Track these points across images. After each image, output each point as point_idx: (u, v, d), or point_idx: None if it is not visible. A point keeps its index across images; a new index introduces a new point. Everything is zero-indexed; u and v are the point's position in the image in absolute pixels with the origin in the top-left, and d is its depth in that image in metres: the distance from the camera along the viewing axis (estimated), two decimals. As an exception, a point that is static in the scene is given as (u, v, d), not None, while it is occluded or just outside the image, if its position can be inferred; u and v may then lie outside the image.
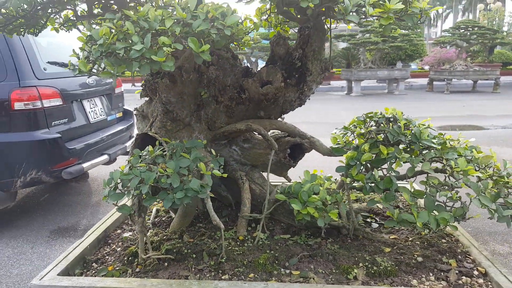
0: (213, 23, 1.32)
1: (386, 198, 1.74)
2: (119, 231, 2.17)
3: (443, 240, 1.95)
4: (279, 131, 2.16)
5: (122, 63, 1.27)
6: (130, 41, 1.26)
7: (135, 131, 2.47)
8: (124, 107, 5.88)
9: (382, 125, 1.90)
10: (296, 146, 2.16)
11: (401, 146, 1.88)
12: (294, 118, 10.93)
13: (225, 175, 1.70)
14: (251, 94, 1.92)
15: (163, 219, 2.26)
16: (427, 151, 1.83)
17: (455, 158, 1.75)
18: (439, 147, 1.81)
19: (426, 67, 18.64)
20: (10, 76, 3.35)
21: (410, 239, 1.97)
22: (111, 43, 1.26)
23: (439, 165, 1.87)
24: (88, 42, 1.34)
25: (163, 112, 1.89)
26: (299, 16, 1.87)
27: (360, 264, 1.71)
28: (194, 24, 1.27)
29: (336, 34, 17.98)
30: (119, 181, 1.52)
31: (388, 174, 1.80)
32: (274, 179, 2.48)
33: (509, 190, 1.79)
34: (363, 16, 1.54)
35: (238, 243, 1.88)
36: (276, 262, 1.74)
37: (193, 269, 1.71)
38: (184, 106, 1.90)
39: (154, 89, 1.88)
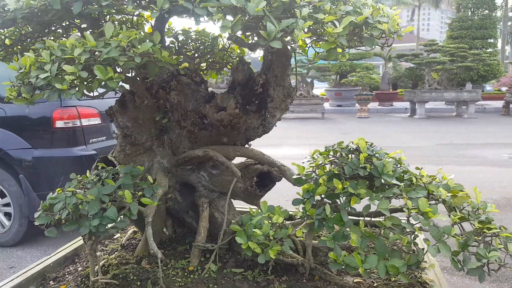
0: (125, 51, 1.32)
1: (334, 237, 1.58)
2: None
3: (412, 290, 1.72)
4: (250, 159, 2.09)
5: (35, 90, 1.31)
6: (44, 70, 1.30)
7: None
8: None
9: (342, 156, 1.75)
10: (267, 175, 2.07)
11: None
12: (350, 140, 10.67)
13: (154, 204, 1.66)
14: (211, 120, 1.88)
15: (136, 241, 2.27)
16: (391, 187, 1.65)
17: (418, 198, 1.55)
18: (402, 184, 1.62)
19: (504, 89, 17.20)
20: None
21: (375, 284, 1.77)
22: (28, 71, 1.31)
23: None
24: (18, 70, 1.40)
25: (121, 136, 1.92)
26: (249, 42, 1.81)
27: (302, 309, 1.57)
28: (103, 52, 1.28)
29: (398, 54, 17.32)
30: (48, 204, 1.56)
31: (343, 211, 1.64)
32: (246, 207, 2.38)
33: (484, 237, 1.55)
34: (292, 42, 1.44)
35: (186, 273, 1.82)
36: (215, 297, 1.66)
37: (131, 297, 1.69)
38: (143, 131, 1.91)
39: (111, 114, 1.91)
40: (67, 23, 1.71)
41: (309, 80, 16.04)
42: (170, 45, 2.33)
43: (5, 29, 1.66)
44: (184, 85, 1.89)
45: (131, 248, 2.18)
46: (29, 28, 1.67)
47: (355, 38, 1.71)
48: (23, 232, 3.68)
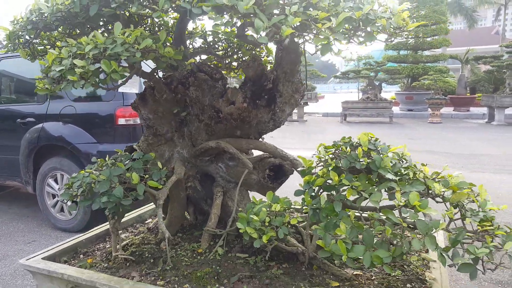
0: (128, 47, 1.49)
1: (326, 227, 1.62)
2: (120, 231, 2.45)
3: (408, 285, 1.70)
4: (265, 153, 2.18)
5: (56, 82, 1.53)
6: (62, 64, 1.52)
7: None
8: None
9: (342, 150, 1.77)
10: (280, 168, 2.14)
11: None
12: (416, 146, 10.14)
13: (160, 186, 1.82)
14: (223, 114, 2.01)
15: (163, 226, 2.46)
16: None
17: (410, 192, 1.54)
18: (397, 178, 1.61)
19: None
20: (117, 97, 4.10)
21: (373, 277, 1.77)
22: (50, 65, 1.54)
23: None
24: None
25: (145, 127, 2.12)
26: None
27: (292, 294, 1.63)
28: (109, 48, 1.47)
29: (476, 56, 16.16)
30: (71, 182, 1.79)
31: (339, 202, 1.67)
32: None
33: (479, 235, 1.49)
34: (277, 36, 1.52)
35: (195, 255, 1.96)
36: (216, 277, 1.77)
37: (143, 272, 1.87)
38: (163, 123, 2.10)
39: (136, 107, 2.12)
40: (97, 24, 1.94)
41: (377, 83, 15.56)
42: (201, 45, 2.50)
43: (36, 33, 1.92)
44: (202, 81, 2.04)
45: (156, 231, 2.37)
46: (62, 30, 1.92)
47: (358, 33, 1.73)
48: (87, 219, 4.10)
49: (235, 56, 2.53)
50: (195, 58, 2.47)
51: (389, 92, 21.53)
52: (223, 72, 2.53)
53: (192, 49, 2.41)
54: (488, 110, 14.23)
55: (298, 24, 1.50)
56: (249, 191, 2.27)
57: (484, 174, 6.65)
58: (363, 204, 1.69)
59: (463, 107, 17.08)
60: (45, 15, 1.70)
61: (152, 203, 2.65)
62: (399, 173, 1.68)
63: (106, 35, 1.73)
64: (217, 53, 2.52)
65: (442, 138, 11.07)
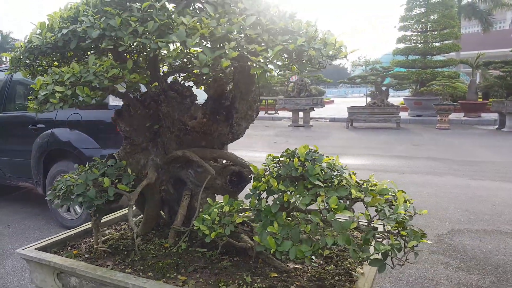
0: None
1: (264, 225, 1.92)
2: (105, 227, 2.79)
3: (336, 278, 1.98)
4: (228, 161, 2.49)
5: (42, 103, 1.88)
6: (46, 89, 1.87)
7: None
8: None
9: (282, 160, 2.07)
10: (241, 174, 2.45)
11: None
12: (418, 152, 10.25)
13: (127, 189, 2.15)
14: (189, 127, 2.33)
15: (143, 224, 2.79)
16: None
17: (331, 196, 1.83)
18: (323, 185, 1.90)
19: None
20: (119, 106, 4.51)
21: (309, 270, 2.06)
22: (38, 89, 1.89)
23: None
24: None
25: (124, 137, 2.46)
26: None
27: (236, 282, 1.93)
28: (83, 76, 1.81)
29: (486, 61, 16.12)
30: (56, 185, 2.14)
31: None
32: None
33: (386, 234, 1.77)
34: (217, 67, 1.83)
35: (161, 249, 2.28)
36: (175, 267, 2.09)
37: (116, 262, 2.20)
38: (139, 134, 2.43)
39: (115, 120, 2.46)
40: (80, 53, 2.29)
41: (384, 88, 15.70)
42: (177, 64, 2.81)
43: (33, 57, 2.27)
44: (171, 99, 2.36)
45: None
46: (52, 57, 2.27)
47: (296, 60, 2.02)
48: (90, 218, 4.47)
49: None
50: (174, 75, 2.81)
51: (398, 97, 21.54)
52: (200, 87, 2.86)
53: (169, 68, 2.74)
54: (499, 116, 14.19)
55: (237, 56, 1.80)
56: (216, 195, 2.58)
57: (483, 181, 6.79)
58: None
59: (474, 113, 17.03)
60: (39, 44, 2.05)
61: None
62: (329, 180, 1.97)
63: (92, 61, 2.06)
64: (193, 71, 2.84)
65: (447, 145, 11.16)
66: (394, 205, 1.90)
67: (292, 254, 1.78)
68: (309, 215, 1.87)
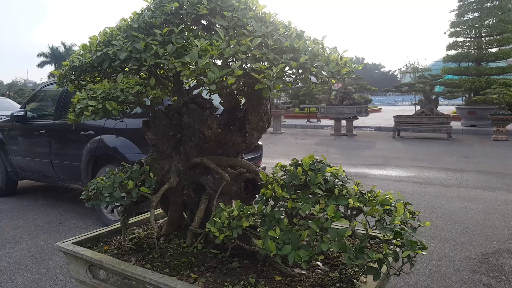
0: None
1: (267, 230, 2.06)
2: (135, 227, 3.05)
3: (337, 285, 2.07)
4: (243, 168, 2.66)
5: (79, 115, 2.17)
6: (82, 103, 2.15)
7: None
8: None
9: (288, 169, 2.21)
10: (254, 181, 2.61)
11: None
12: (469, 165, 9.92)
13: (148, 191, 2.38)
14: (206, 137, 2.54)
15: (169, 225, 3.02)
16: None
17: (330, 205, 1.94)
18: (323, 193, 2.02)
19: None
20: None
21: (313, 276, 2.17)
22: (75, 103, 2.18)
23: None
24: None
25: (151, 145, 2.71)
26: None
27: (241, 282, 2.09)
28: (111, 92, 2.07)
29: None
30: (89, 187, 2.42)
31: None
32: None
33: (380, 243, 1.85)
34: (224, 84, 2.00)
35: (179, 248, 2.49)
36: (189, 266, 2.28)
37: (139, 258, 2.43)
38: (163, 142, 2.67)
39: (143, 130, 2.71)
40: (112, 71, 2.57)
41: (433, 97, 15.20)
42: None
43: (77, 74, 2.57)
44: (192, 111, 2.58)
45: (160, 229, 2.95)
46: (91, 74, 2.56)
47: (302, 76, 2.16)
48: None
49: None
50: (200, 89, 3.03)
51: (452, 106, 20.66)
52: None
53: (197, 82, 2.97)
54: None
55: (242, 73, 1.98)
56: (233, 200, 2.75)
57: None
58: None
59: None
60: (79, 64, 2.35)
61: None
62: (330, 190, 2.08)
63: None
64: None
65: (502, 157, 10.56)
66: (395, 216, 1.97)
67: (291, 258, 1.91)
68: (309, 222, 1.99)
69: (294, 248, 1.95)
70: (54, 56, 47.71)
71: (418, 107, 15.74)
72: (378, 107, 32.42)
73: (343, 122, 16.02)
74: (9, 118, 6.96)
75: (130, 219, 3.08)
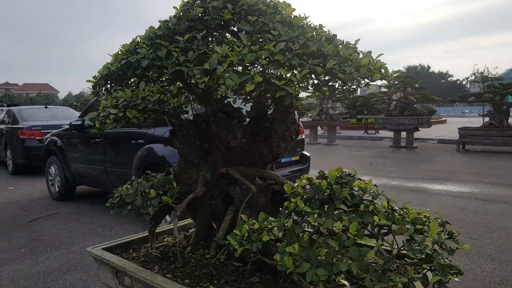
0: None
1: (286, 245, 1.94)
2: (165, 235, 3.05)
3: (359, 305, 1.89)
4: (270, 180, 2.56)
5: (103, 123, 2.20)
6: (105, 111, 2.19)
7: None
8: (303, 152, 6.91)
9: (312, 182, 2.07)
10: (282, 193, 2.50)
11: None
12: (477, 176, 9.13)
13: (170, 201, 2.34)
14: (232, 146, 2.47)
15: (199, 235, 2.99)
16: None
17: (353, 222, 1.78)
18: (347, 209, 1.86)
19: None
20: None
21: (334, 296, 2.00)
22: (100, 112, 2.22)
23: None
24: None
25: (179, 154, 2.70)
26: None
27: (259, 298, 1.99)
28: (132, 100, 2.08)
29: None
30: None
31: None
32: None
33: (406, 265, 1.65)
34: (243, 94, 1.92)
35: (202, 258, 2.43)
36: (209, 278, 2.22)
37: (162, 267, 2.41)
38: (191, 151, 2.64)
39: (171, 139, 2.71)
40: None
41: (503, 108, 14.03)
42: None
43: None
44: (220, 120, 2.54)
45: (188, 238, 2.92)
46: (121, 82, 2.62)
47: (330, 83, 2.03)
48: None
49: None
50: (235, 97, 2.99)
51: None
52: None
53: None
54: None
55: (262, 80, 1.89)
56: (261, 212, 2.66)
57: None
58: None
59: None
60: (108, 73, 2.40)
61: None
62: (358, 205, 1.92)
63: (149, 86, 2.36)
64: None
65: None
66: (424, 236, 1.77)
67: (309, 276, 1.78)
68: (329, 239, 1.85)
69: (312, 266, 1.82)
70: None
71: (486, 119, 14.62)
72: (443, 119, 30.65)
73: (403, 134, 15.29)
74: (68, 126, 7.41)
75: (162, 227, 3.10)
